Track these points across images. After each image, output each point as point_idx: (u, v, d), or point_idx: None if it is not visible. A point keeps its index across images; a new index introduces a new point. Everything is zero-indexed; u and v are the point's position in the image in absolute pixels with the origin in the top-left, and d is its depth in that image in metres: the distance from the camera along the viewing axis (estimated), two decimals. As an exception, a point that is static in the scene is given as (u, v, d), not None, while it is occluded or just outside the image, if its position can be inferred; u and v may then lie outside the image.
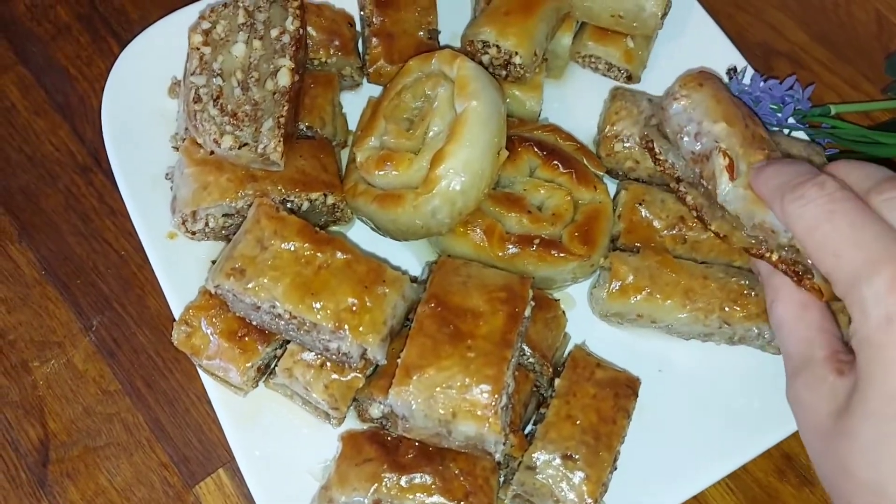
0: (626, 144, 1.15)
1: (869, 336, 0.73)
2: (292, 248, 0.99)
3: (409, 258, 1.17)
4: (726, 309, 1.06)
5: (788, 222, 0.84)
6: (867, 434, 0.73)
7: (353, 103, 1.25)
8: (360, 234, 1.17)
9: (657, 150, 1.07)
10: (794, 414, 0.86)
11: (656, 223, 1.11)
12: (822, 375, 0.81)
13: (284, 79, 1.06)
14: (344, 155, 1.22)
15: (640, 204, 1.12)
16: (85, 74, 1.36)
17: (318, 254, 0.99)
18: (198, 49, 1.07)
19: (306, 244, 0.99)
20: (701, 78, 1.05)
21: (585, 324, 1.13)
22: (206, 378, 1.07)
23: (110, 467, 1.13)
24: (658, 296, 1.07)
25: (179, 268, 1.12)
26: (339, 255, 0.99)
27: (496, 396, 0.91)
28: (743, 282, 1.07)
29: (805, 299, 0.89)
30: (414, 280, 1.07)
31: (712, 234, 1.03)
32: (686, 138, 1.03)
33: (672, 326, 1.09)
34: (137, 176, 1.17)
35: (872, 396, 0.73)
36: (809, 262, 0.89)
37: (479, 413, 0.91)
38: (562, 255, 1.08)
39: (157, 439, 1.14)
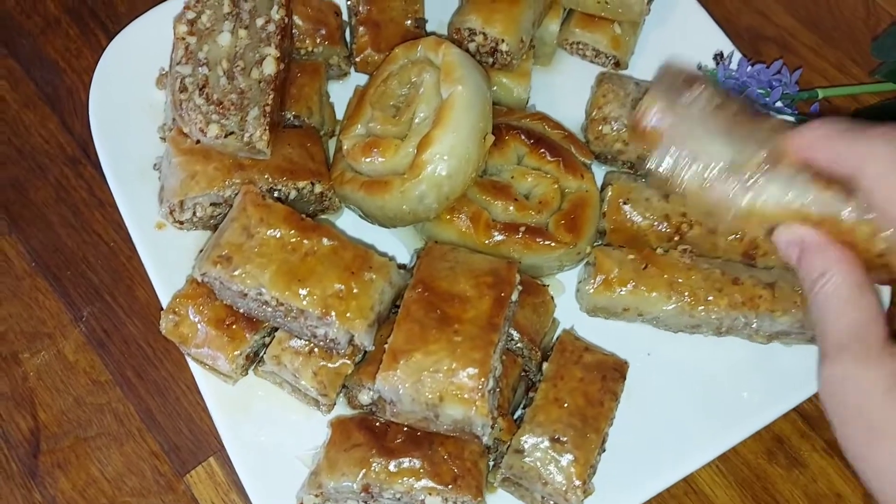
0: (614, 127, 1.15)
1: None
2: (278, 235, 0.99)
3: (398, 246, 1.17)
4: (711, 298, 1.06)
5: (855, 166, 0.75)
6: None
7: (341, 94, 1.25)
8: (348, 222, 1.17)
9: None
10: (831, 395, 0.78)
11: (641, 222, 1.11)
12: (877, 355, 0.76)
13: (270, 67, 1.06)
14: (332, 145, 1.22)
15: (626, 203, 1.11)
16: (74, 67, 1.36)
17: (305, 240, 0.99)
18: (183, 39, 1.07)
19: (292, 231, 0.99)
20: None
21: (574, 310, 1.13)
22: (195, 367, 1.07)
23: (101, 457, 1.13)
24: (643, 287, 1.06)
25: (168, 258, 1.12)
26: (325, 241, 0.99)
27: (482, 380, 0.91)
28: (727, 271, 1.07)
29: (863, 281, 0.81)
30: (402, 267, 1.07)
31: (697, 233, 1.04)
32: None
33: (659, 319, 1.09)
34: (125, 167, 1.17)
35: None
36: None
37: (465, 396, 0.91)
38: (547, 242, 1.08)
39: (148, 429, 1.15)
